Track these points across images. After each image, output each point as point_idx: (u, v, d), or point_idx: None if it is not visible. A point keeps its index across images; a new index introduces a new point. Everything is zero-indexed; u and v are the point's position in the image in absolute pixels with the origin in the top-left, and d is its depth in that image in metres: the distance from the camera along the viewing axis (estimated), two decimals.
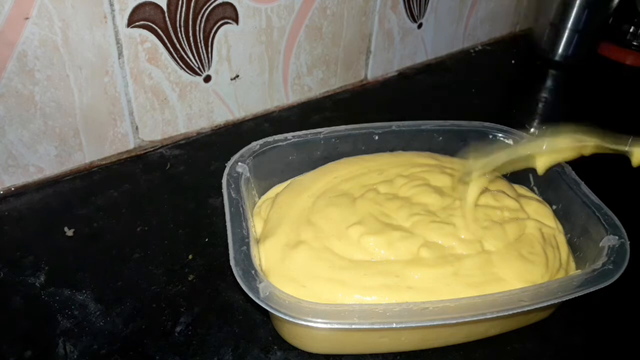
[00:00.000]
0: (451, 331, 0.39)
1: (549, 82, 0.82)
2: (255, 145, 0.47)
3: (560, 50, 0.84)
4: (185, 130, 0.61)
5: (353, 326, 0.33)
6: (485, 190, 0.46)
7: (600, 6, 0.80)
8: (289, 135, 0.48)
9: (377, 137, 0.50)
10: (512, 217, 0.44)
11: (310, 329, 0.35)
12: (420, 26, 0.76)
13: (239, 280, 0.34)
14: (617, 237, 0.39)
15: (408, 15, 0.74)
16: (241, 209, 0.40)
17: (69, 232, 0.48)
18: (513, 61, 0.87)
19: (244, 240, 0.37)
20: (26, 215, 0.49)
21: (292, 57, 0.65)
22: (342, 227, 0.42)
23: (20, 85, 0.47)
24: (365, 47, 0.72)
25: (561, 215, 0.46)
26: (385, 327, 0.33)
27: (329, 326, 0.33)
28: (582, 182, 0.45)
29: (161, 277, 0.44)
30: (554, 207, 0.47)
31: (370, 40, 0.72)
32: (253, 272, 0.35)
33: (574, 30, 0.81)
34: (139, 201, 0.52)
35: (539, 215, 0.45)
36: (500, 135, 0.51)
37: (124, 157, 0.57)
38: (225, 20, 0.57)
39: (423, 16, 0.76)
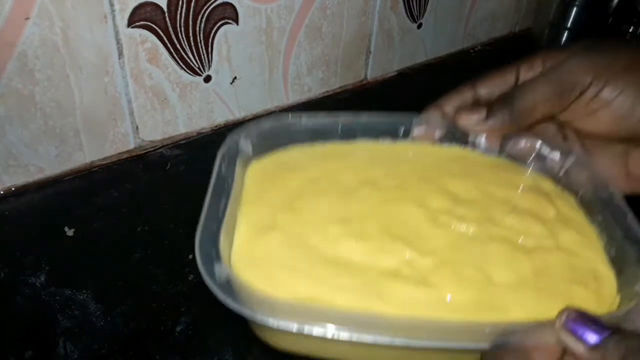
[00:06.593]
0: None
1: None
2: (266, 123, 0.42)
3: None
4: (185, 130, 0.61)
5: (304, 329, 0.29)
6: (511, 208, 0.39)
7: (599, 6, 0.80)
8: (304, 119, 0.43)
9: (403, 130, 0.45)
10: (536, 246, 0.37)
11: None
12: (420, 26, 0.76)
13: (198, 262, 0.31)
14: None
15: (408, 15, 0.74)
16: (226, 185, 0.37)
17: (69, 232, 0.48)
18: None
19: (215, 219, 0.34)
20: (26, 215, 0.49)
21: (292, 57, 0.65)
22: (325, 221, 0.37)
23: (21, 85, 0.47)
24: (365, 47, 0.72)
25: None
26: (341, 336, 0.29)
27: (279, 325, 0.29)
28: (631, 213, 0.36)
29: (161, 276, 0.44)
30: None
31: (370, 40, 0.72)
32: (214, 255, 0.31)
33: (573, 30, 0.81)
34: (139, 201, 0.52)
35: (576, 245, 0.37)
36: None
37: (124, 157, 0.57)
38: (225, 21, 0.57)
39: (423, 16, 0.76)
